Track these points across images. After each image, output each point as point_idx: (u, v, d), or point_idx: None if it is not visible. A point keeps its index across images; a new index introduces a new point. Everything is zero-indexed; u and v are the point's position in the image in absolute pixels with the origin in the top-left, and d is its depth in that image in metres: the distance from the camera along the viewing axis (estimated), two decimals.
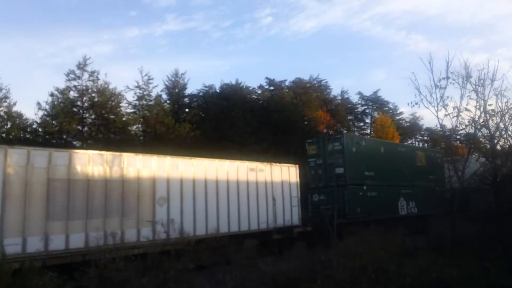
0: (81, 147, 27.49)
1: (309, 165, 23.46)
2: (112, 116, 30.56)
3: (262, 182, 18.51)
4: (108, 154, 13.47)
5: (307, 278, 9.89)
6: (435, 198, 25.90)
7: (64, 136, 29.08)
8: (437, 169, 29.63)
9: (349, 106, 54.97)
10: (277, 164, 19.69)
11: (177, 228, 13.93)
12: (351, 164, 22.31)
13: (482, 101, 16.71)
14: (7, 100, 29.37)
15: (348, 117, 54.78)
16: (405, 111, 60.27)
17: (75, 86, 30.33)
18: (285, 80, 48.94)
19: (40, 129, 29.57)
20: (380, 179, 24.05)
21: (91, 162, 12.87)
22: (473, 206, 23.34)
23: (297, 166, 20.54)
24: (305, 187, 22.88)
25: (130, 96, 44.74)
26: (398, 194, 25.63)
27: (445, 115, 16.60)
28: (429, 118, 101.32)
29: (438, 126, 18.11)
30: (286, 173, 19.77)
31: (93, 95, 30.48)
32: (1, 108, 29.03)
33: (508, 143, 19.24)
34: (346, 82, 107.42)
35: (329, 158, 22.46)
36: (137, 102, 33.76)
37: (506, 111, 17.36)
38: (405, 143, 28.47)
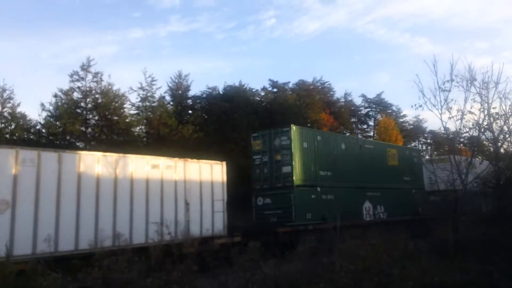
0: (84, 148, 27.59)
1: (253, 163, 20.56)
2: (115, 118, 30.61)
3: (170, 182, 15.10)
4: None
5: (309, 281, 9.90)
6: (411, 201, 24.91)
7: (68, 137, 29.17)
8: (414, 169, 27.45)
9: (352, 108, 55.02)
10: (195, 160, 16.40)
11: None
12: (301, 162, 19.55)
13: (486, 104, 16.71)
14: (11, 101, 29.52)
15: (352, 120, 54.84)
16: (409, 114, 60.45)
17: (78, 87, 30.46)
18: (289, 82, 49.08)
19: (43, 130, 29.67)
20: (339, 180, 21.36)
21: None
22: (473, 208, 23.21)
23: (224, 163, 17.27)
24: (249, 189, 20.88)
25: (134, 98, 44.89)
26: (363, 197, 22.85)
27: (449, 118, 16.59)
28: (433, 121, 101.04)
29: (442, 129, 18.08)
30: (207, 172, 16.46)
31: (96, 96, 30.58)
32: (5, 109, 29.17)
33: None
34: (350, 85, 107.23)
35: (276, 154, 19.67)
36: (140, 103, 33.83)
37: (510, 114, 17.34)
38: (375, 141, 25.91)
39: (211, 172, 16.65)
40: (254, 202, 20.06)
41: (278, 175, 19.45)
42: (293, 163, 19.08)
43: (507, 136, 18.32)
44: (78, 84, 30.49)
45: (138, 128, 33.26)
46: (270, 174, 19.73)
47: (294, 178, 18.97)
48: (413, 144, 57.12)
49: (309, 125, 43.06)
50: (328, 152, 21.28)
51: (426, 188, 28.34)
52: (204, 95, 40.93)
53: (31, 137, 29.12)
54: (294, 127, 19.83)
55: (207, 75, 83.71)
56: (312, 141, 20.43)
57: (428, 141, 61.26)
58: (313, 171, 20.10)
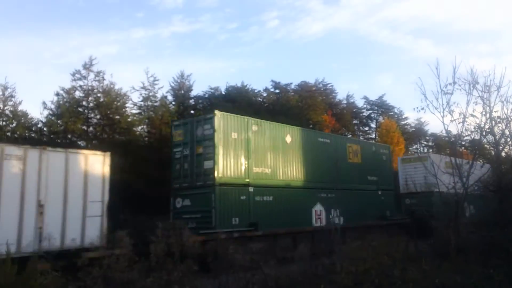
0: (86, 147, 27.60)
1: (173, 157, 17.72)
2: (117, 117, 30.60)
3: (15, 176, 11.36)
4: None
5: (310, 282, 9.89)
6: (376, 204, 23.17)
7: (69, 136, 29.18)
8: (382, 168, 24.85)
9: (354, 110, 54.94)
10: (59, 149, 12.85)
11: None
12: (227, 156, 16.56)
13: (488, 108, 16.67)
14: (13, 99, 29.44)
15: (353, 122, 54.76)
16: (411, 116, 60.38)
17: (80, 86, 30.42)
18: (291, 83, 48.99)
19: (45, 129, 29.67)
20: (281, 178, 18.59)
21: None
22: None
23: (107, 154, 13.48)
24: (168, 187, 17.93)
25: (136, 97, 44.86)
26: (313, 200, 19.92)
27: (451, 121, 16.53)
28: (435, 124, 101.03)
29: (444, 131, 18.05)
30: (79, 165, 12.69)
31: (98, 95, 30.54)
32: (7, 107, 29.13)
33: None
34: (352, 86, 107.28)
35: (198, 146, 16.80)
36: (142, 103, 33.78)
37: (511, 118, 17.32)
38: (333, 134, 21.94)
39: (86, 165, 12.81)
40: (172, 204, 17.08)
41: (199, 172, 16.47)
42: (216, 157, 16.03)
43: (508, 139, 18.29)
44: (80, 83, 30.50)
45: (139, 127, 33.24)
46: (191, 171, 16.76)
47: (216, 175, 15.97)
48: (414, 147, 57.05)
49: (311, 126, 43.04)
50: (267, 145, 18.33)
51: (402, 190, 27.56)
52: (206, 95, 40.95)
53: (33, 135, 29.14)
54: (219, 114, 16.81)
55: (210, 76, 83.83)
56: (244, 131, 17.48)
57: (430, 144, 61.25)
58: (246, 168, 17.11)
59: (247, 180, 17.18)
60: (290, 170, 19.21)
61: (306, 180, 19.80)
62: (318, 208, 19.97)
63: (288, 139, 19.41)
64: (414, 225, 20.11)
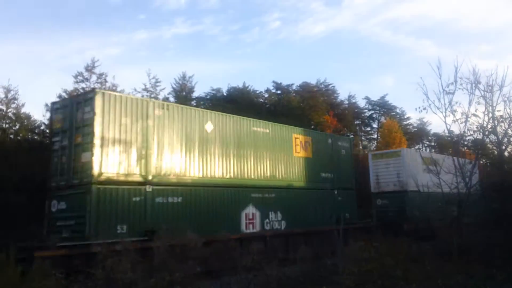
0: None
1: (52, 149, 13.90)
2: None
3: None
4: None
5: (312, 283, 9.90)
6: (332, 206, 20.05)
7: None
8: (341, 164, 21.44)
9: (356, 110, 54.92)
10: None
11: None
12: (111, 147, 12.84)
13: (491, 107, 16.65)
14: (16, 102, 29.52)
15: (355, 122, 54.73)
16: (413, 116, 60.26)
17: (83, 88, 30.50)
18: (292, 84, 49.09)
19: (47, 131, 29.75)
20: (196, 175, 15.03)
21: None
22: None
23: None
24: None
25: None
26: (244, 201, 16.43)
27: (453, 121, 16.52)
28: (437, 124, 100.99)
29: (446, 131, 18.03)
30: None
31: None
32: (10, 110, 29.20)
33: None
34: (354, 87, 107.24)
35: (77, 135, 13.08)
36: None
37: None
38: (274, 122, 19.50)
39: None
40: (47, 208, 13.38)
41: (77, 167, 12.86)
42: (95, 148, 12.43)
43: (511, 139, 18.27)
44: (83, 85, 30.62)
45: None
46: (68, 165, 13.14)
47: (94, 171, 12.32)
48: (417, 147, 56.86)
49: (312, 127, 43.00)
50: (178, 134, 14.82)
51: (373, 189, 25.29)
52: (208, 97, 41.11)
53: (35, 137, 29.21)
54: (100, 92, 13.08)
55: (211, 77, 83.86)
56: (142, 115, 13.85)
57: (432, 144, 61.16)
58: (143, 162, 13.58)
59: (145, 177, 13.53)
60: (211, 165, 15.62)
61: (234, 177, 16.32)
62: (250, 210, 16.53)
63: (209, 127, 15.91)
64: (383, 228, 19.13)
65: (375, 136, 55.30)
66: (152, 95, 33.76)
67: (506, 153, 19.17)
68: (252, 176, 17.04)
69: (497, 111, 16.83)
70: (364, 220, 22.02)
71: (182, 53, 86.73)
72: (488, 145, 19.97)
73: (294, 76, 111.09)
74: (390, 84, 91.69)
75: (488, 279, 10.51)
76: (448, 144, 42.75)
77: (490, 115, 16.75)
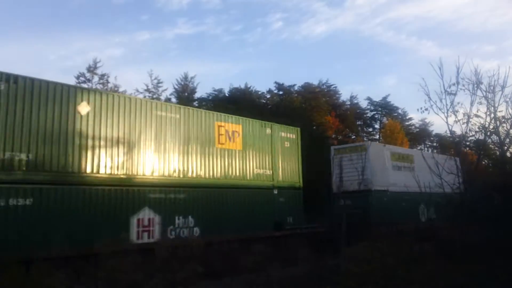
0: None
1: None
2: None
3: None
4: None
5: (314, 283, 9.90)
6: (269, 208, 16.85)
7: None
8: (283, 159, 18.28)
9: (358, 111, 54.94)
10: None
11: None
12: None
13: (492, 108, 16.61)
14: None
15: (357, 123, 54.73)
16: (415, 117, 60.24)
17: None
18: (294, 85, 49.14)
19: None
20: (60, 170, 11.05)
21: None
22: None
23: None
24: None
25: None
26: (138, 203, 12.71)
27: (455, 121, 16.49)
28: (439, 124, 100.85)
29: (448, 132, 18.01)
30: None
31: None
32: None
33: None
34: (356, 88, 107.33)
35: None
36: None
37: None
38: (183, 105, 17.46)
39: None
40: None
41: None
42: None
43: None
44: (85, 86, 30.66)
45: None
46: None
47: None
48: (419, 148, 56.77)
49: (314, 127, 42.96)
50: (28, 115, 10.70)
51: (335, 188, 20.43)
52: (210, 97, 41.21)
53: None
54: None
55: (213, 77, 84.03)
56: None
57: (434, 144, 61.11)
58: None
59: None
60: (86, 157, 11.73)
61: (123, 173, 12.63)
62: (146, 215, 12.89)
63: (84, 109, 11.84)
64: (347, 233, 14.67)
65: (377, 136, 55.30)
66: (154, 96, 33.84)
67: (508, 154, 19.14)
68: (150, 172, 13.37)
69: (499, 111, 16.79)
70: (314, 224, 18.90)
71: (184, 53, 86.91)
72: (490, 145, 19.93)
73: (296, 76, 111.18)
74: (392, 84, 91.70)
75: (491, 279, 10.49)
76: (450, 145, 42.74)
77: (492, 115, 16.72)
